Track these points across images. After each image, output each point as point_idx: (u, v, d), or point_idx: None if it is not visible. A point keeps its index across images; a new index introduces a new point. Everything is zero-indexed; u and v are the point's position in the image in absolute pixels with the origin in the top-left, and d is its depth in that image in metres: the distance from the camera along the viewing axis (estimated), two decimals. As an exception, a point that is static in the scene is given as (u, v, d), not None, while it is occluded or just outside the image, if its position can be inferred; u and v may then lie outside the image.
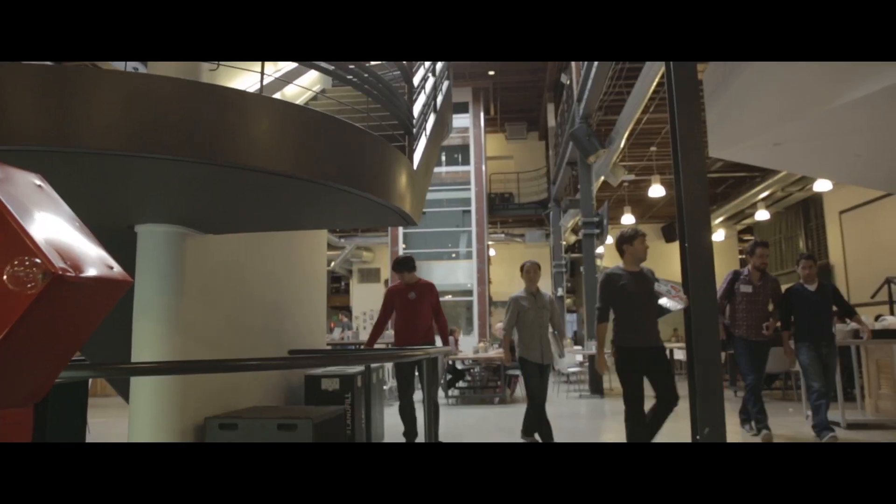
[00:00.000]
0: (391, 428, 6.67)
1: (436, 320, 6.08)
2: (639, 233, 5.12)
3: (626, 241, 5.08)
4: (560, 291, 16.90)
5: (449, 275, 18.14)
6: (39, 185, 1.53)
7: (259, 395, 4.43)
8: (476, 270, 16.90)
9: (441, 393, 10.56)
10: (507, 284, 20.48)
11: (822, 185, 11.67)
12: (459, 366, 10.67)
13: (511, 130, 21.49)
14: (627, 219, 16.08)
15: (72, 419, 3.56)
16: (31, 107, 2.35)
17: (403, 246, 17.41)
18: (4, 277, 1.28)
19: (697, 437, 5.00)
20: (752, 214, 16.58)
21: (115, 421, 7.28)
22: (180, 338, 3.38)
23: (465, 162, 17.95)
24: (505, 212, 19.82)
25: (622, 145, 11.31)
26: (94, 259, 1.41)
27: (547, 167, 20.94)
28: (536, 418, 5.52)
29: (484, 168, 18.13)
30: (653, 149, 14.12)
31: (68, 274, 1.27)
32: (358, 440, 4.62)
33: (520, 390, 10.62)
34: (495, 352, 10.28)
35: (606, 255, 17.20)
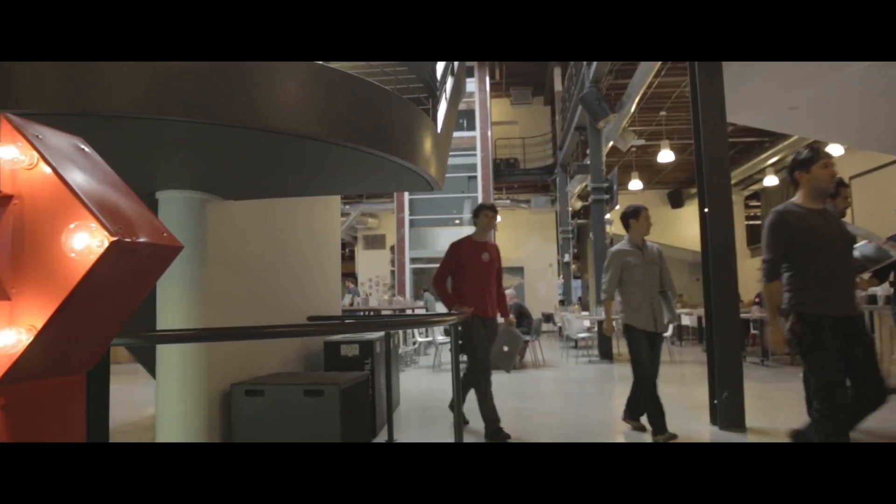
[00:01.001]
0: (405, 393, 6.72)
1: (496, 290, 5.18)
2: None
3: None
4: (567, 257, 16.88)
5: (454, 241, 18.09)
6: (84, 149, 1.49)
7: (279, 361, 4.44)
8: (482, 237, 16.84)
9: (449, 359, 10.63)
10: (514, 250, 20.49)
11: (833, 150, 11.54)
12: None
13: (516, 95, 21.22)
14: (635, 184, 15.99)
15: (94, 386, 3.56)
16: (56, 71, 2.28)
17: (409, 212, 17.34)
18: (62, 243, 1.25)
19: (715, 401, 5.03)
20: (761, 180, 16.47)
21: (131, 388, 7.35)
22: (205, 306, 3.37)
23: (471, 127, 17.75)
24: (510, 177, 19.69)
25: (633, 109, 11.16)
26: (147, 224, 1.38)
27: (553, 132, 20.73)
28: (647, 399, 4.56)
29: (489, 133, 17.94)
30: (662, 113, 13.96)
31: (125, 239, 1.24)
32: (378, 406, 4.64)
33: (529, 356, 10.69)
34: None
35: (616, 221, 17.14)
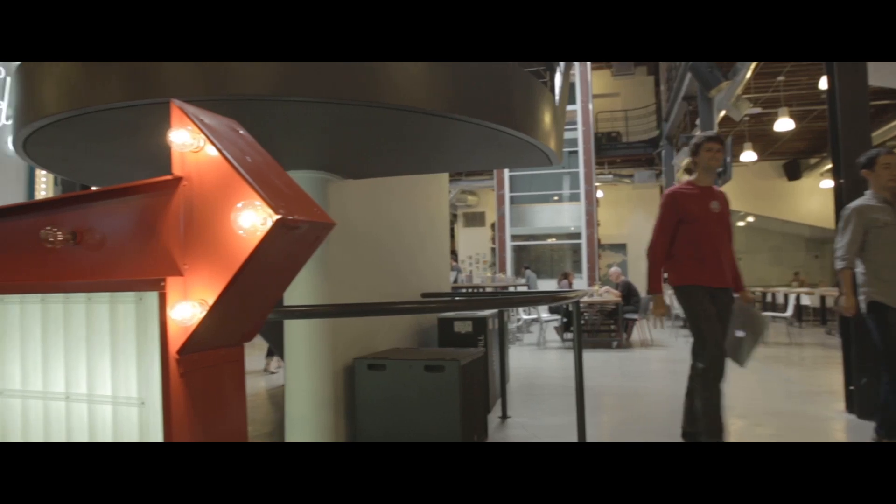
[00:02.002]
0: (511, 371, 6.71)
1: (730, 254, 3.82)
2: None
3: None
4: (673, 233, 16.23)
5: (555, 217, 17.84)
6: (239, 131, 1.55)
7: (394, 337, 4.54)
8: (584, 213, 16.48)
9: (557, 337, 10.53)
10: (616, 226, 19.95)
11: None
12: (572, 309, 10.54)
13: (618, 66, 20.48)
14: (748, 155, 15.09)
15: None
16: (195, 67, 2.38)
17: (509, 189, 17.22)
18: (231, 221, 1.31)
19: (851, 387, 4.69)
20: (893, 149, 15.09)
21: (248, 360, 7.77)
22: (328, 282, 3.48)
23: (571, 101, 17.33)
24: (612, 152, 19.11)
25: (748, 76, 10.48)
26: (303, 202, 1.42)
27: (657, 103, 19.88)
28: None
29: (590, 107, 17.44)
30: (780, 78, 13.03)
31: (288, 217, 1.28)
32: (492, 383, 4.66)
33: (636, 334, 10.40)
34: (612, 293, 10.07)
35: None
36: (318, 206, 1.46)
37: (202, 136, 1.34)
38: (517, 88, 2.75)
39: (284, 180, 1.43)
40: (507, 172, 16.96)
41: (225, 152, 1.32)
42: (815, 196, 18.18)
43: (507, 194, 17.10)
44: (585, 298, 10.64)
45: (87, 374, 1.46)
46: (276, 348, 5.67)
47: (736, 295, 3.76)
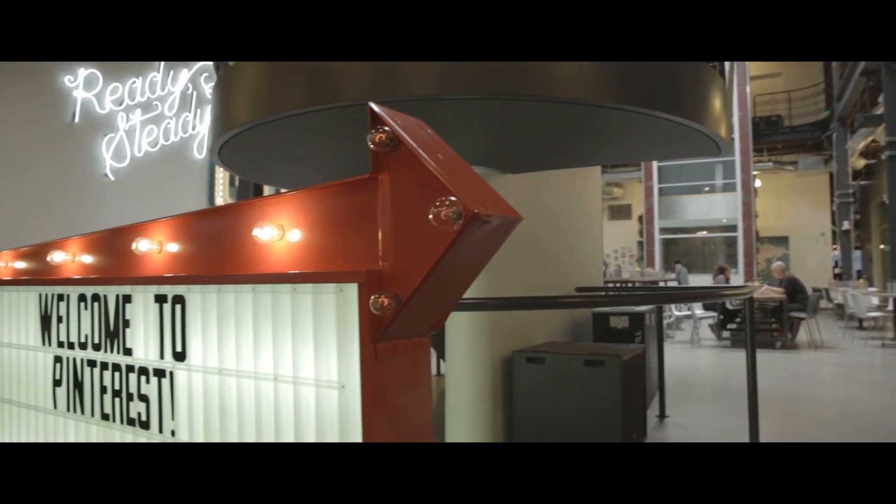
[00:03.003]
0: (671, 367, 6.44)
1: None
2: None
3: None
4: (846, 225, 14.75)
5: (706, 209, 16.87)
6: (428, 130, 1.63)
7: (548, 330, 4.52)
8: (741, 203, 15.41)
9: (712, 335, 9.98)
10: (777, 218, 18.47)
11: None
12: (729, 306, 9.92)
13: (779, 43, 18.89)
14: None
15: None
16: (356, 68, 2.51)
17: (658, 180, 16.52)
18: (430, 218, 1.38)
19: None
20: None
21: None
22: (489, 274, 3.54)
23: (726, 84, 16.25)
24: (772, 137, 17.70)
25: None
26: (492, 197, 1.45)
27: (826, 82, 18.11)
28: None
29: (748, 90, 16.26)
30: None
31: (482, 212, 1.32)
32: (648, 380, 4.52)
33: (803, 334, 9.59)
34: (773, 291, 9.36)
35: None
36: (505, 201, 1.49)
37: (396, 136, 1.42)
38: (685, 72, 2.64)
39: (473, 176, 1.48)
40: (655, 162, 16.28)
41: (420, 151, 1.39)
42: None
43: (656, 185, 16.41)
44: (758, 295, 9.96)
45: (292, 357, 1.60)
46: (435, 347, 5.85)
47: None
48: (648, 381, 4.54)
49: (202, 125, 8.26)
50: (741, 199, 15.46)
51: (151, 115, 7.64)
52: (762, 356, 8.01)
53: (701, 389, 5.73)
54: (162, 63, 7.68)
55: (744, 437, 3.42)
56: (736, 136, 15.83)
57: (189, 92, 8.15)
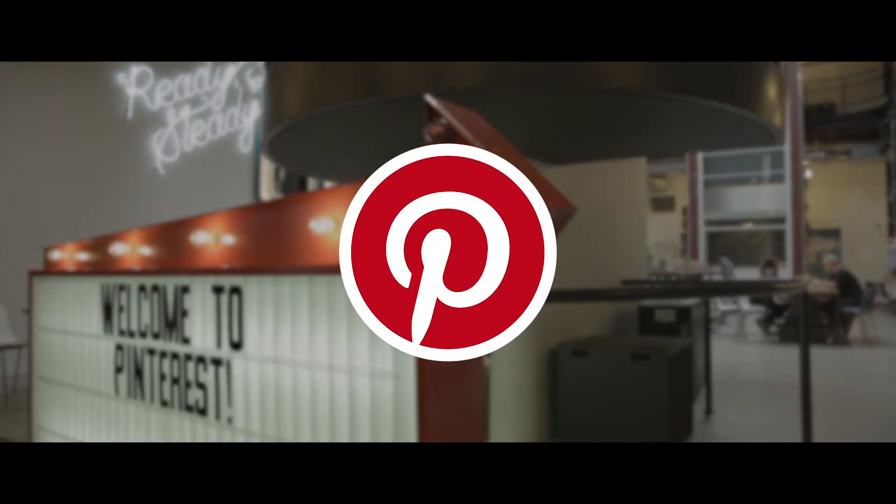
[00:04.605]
0: (718, 362, 6.32)
1: None
2: None
3: None
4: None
5: (753, 201, 16.44)
6: (482, 123, 1.63)
7: (592, 323, 4.49)
8: (791, 195, 14.97)
9: (758, 330, 9.76)
10: (828, 210, 17.89)
11: None
12: (777, 301, 9.67)
13: (832, 29, 18.23)
14: None
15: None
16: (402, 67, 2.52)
17: (702, 171, 16.16)
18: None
19: None
20: None
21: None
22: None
23: (775, 72, 15.78)
24: (825, 125, 17.10)
25: None
26: (550, 188, 1.46)
27: (885, 65, 17.39)
28: None
29: (798, 77, 15.76)
30: None
31: (568, 206, 1.33)
32: (696, 374, 4.45)
33: (856, 330, 9.29)
34: (824, 285, 9.09)
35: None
36: (561, 192, 1.48)
37: (453, 128, 1.43)
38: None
39: (530, 168, 1.48)
40: (700, 153, 15.93)
41: (477, 142, 1.39)
42: None
43: (701, 177, 16.06)
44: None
45: (347, 347, 1.62)
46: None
47: None
48: (695, 375, 4.47)
49: (248, 119, 8.42)
50: (791, 190, 15.02)
51: (199, 111, 7.82)
52: (812, 352, 7.79)
53: (748, 385, 5.62)
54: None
55: (793, 434, 3.34)
56: (787, 125, 15.36)
57: (235, 87, 8.31)
